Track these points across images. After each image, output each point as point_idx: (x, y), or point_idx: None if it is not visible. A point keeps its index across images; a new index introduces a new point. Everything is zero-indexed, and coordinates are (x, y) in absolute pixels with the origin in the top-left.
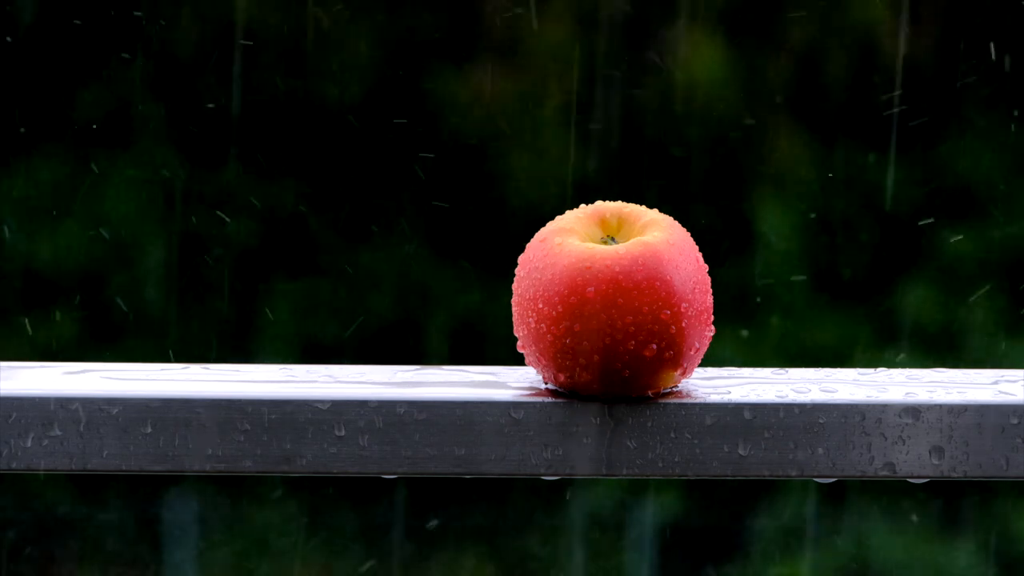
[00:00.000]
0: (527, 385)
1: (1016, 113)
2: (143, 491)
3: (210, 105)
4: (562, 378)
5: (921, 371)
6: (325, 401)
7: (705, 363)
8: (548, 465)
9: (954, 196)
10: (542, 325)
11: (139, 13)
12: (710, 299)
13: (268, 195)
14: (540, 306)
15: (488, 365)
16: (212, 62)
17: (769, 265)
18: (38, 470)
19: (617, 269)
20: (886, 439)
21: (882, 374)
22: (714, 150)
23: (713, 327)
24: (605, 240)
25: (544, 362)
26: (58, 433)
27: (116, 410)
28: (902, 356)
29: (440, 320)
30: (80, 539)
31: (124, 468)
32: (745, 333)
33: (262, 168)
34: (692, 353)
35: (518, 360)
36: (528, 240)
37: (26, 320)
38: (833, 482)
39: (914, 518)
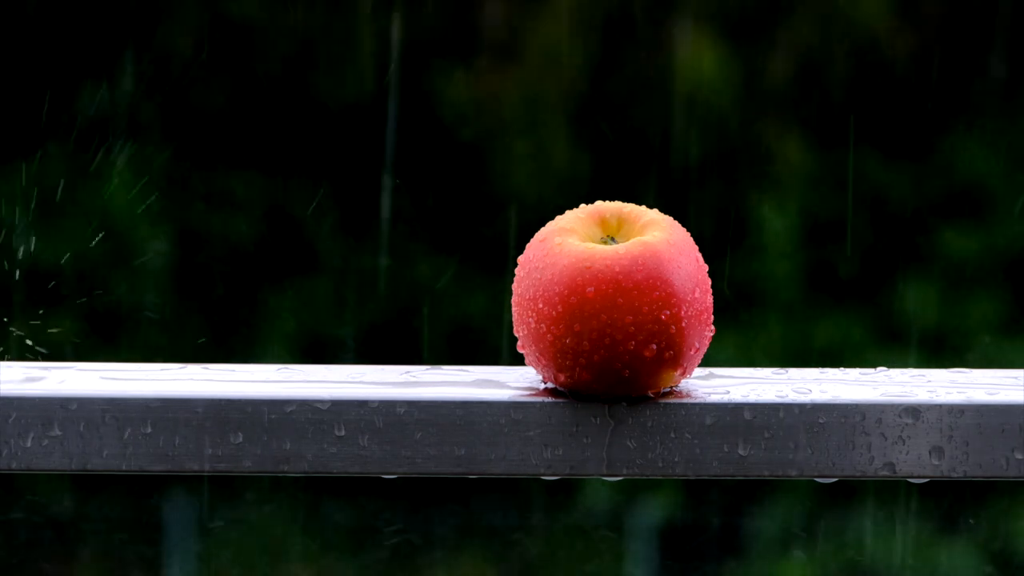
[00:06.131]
0: (527, 385)
1: (1016, 113)
2: (143, 491)
3: (210, 105)
4: (562, 378)
5: (921, 371)
6: (325, 401)
7: (705, 363)
8: (548, 465)
9: (954, 196)
10: (542, 325)
11: (139, 12)
12: (710, 299)
13: (268, 194)
14: (540, 306)
15: (488, 365)
16: (212, 61)
17: (769, 265)
18: (38, 470)
19: (617, 269)
20: (886, 439)
21: (882, 374)
22: (714, 150)
23: (713, 327)
24: (605, 240)
25: (544, 362)
26: (58, 433)
27: (116, 410)
28: (902, 356)
29: (440, 320)
30: (80, 539)
31: (124, 468)
32: (745, 333)
33: (262, 168)
34: (692, 353)
35: (518, 360)
36: (528, 240)
37: (26, 320)
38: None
39: (914, 518)
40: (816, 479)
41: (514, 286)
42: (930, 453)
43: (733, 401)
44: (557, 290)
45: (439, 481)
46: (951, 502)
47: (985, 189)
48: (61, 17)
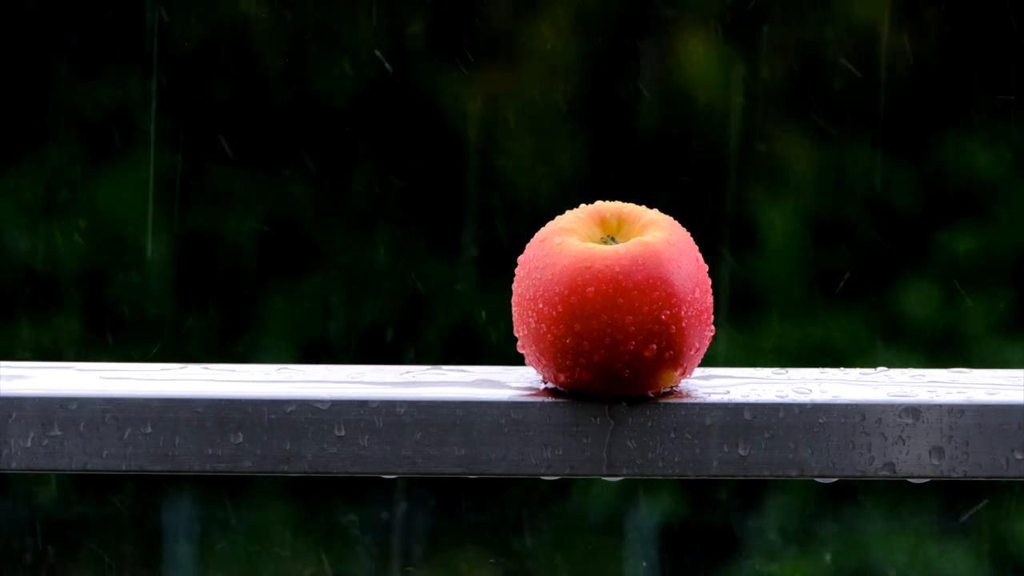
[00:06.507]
0: (527, 385)
1: (1016, 113)
2: (143, 491)
3: (210, 104)
4: (562, 378)
5: (921, 371)
6: (325, 401)
7: (705, 363)
8: (548, 465)
9: (954, 196)
10: (542, 325)
11: (140, 13)
12: (710, 299)
13: (268, 195)
14: (540, 306)
15: (488, 365)
16: (212, 61)
17: (769, 265)
18: (38, 470)
19: (617, 269)
20: (886, 439)
21: (882, 374)
22: (714, 150)
23: (713, 327)
24: (605, 240)
25: (544, 362)
26: (58, 433)
27: (116, 410)
28: (902, 356)
29: (440, 320)
30: (79, 539)
31: (124, 468)
32: (745, 333)
33: (262, 168)
34: (692, 353)
35: (518, 360)
36: (528, 240)
37: (26, 320)
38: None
39: (914, 518)
40: (816, 479)
41: (514, 286)
42: (930, 453)
43: (733, 401)
44: (557, 290)
45: (439, 481)
46: (951, 502)
47: (986, 189)
48: (61, 16)
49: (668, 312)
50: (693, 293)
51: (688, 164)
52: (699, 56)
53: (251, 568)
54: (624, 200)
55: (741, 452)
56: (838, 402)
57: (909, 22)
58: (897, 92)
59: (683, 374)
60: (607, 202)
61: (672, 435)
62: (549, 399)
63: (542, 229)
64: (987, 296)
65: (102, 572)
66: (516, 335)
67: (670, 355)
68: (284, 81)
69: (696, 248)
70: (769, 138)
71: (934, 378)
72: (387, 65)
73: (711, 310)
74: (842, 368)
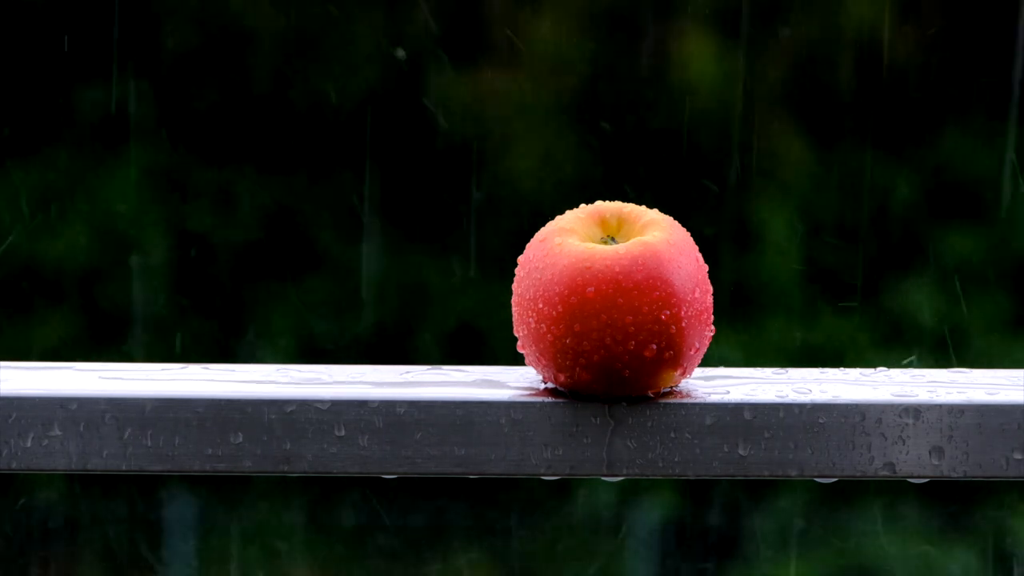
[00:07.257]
0: (527, 385)
1: (1016, 112)
2: (143, 491)
3: (210, 104)
4: (562, 378)
5: (921, 371)
6: (325, 401)
7: (705, 363)
8: (548, 465)
9: (954, 196)
10: (542, 325)
11: (139, 12)
12: (710, 299)
13: (267, 195)
14: (540, 306)
15: (488, 365)
16: (212, 61)
17: (769, 265)
18: (38, 470)
19: (617, 269)
20: (886, 439)
21: (882, 374)
22: (714, 150)
23: (713, 327)
24: (605, 240)
25: (544, 362)
26: (58, 433)
27: (116, 410)
28: (902, 356)
29: (440, 320)
30: (79, 539)
31: (124, 468)
32: (745, 333)
33: (261, 167)
34: (692, 353)
35: (518, 360)
36: (528, 240)
37: (26, 320)
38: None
39: (914, 518)
40: (816, 479)
41: (514, 286)
42: (930, 453)
43: (733, 401)
44: (557, 290)
45: (439, 481)
46: (951, 502)
47: (986, 189)
48: (61, 16)
49: (668, 312)
50: (693, 293)
51: (689, 163)
52: (699, 56)
53: (251, 568)
54: (624, 200)
55: (741, 452)
56: (838, 402)
57: (909, 21)
58: (897, 91)
59: (683, 374)
60: (607, 202)
61: (672, 435)
62: (549, 399)
63: (542, 229)
64: (987, 296)
65: (102, 572)
66: (516, 335)
67: (670, 355)
68: (283, 82)
69: (696, 248)
70: (769, 138)
71: (934, 378)
72: (386, 65)
73: (711, 310)
74: (842, 368)
